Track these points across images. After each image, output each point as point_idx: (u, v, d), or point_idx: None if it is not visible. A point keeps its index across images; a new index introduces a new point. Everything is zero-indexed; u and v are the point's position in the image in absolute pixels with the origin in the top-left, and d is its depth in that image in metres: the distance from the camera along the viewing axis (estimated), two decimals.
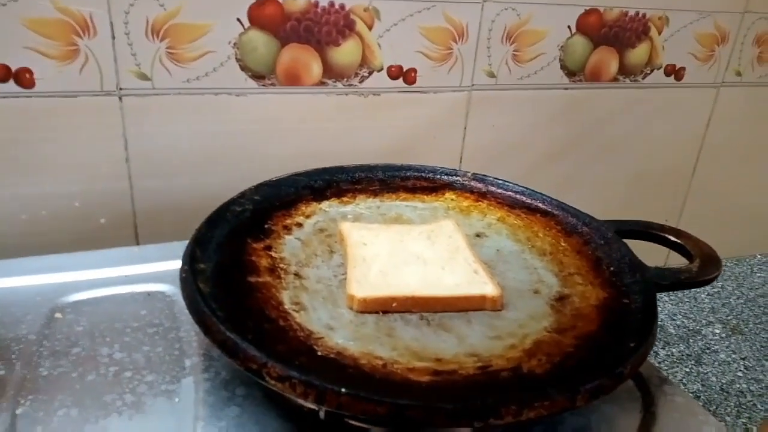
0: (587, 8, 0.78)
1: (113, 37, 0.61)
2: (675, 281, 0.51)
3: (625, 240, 0.58)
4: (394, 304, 0.47)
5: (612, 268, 0.53)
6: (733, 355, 0.83)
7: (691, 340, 0.86)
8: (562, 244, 0.58)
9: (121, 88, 0.63)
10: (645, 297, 0.48)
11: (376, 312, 0.47)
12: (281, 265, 0.52)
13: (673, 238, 0.58)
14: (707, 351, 0.84)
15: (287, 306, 0.46)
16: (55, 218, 0.67)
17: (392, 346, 0.43)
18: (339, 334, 0.44)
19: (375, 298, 0.47)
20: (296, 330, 0.43)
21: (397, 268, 0.51)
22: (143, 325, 0.52)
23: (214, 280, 0.46)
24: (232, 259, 0.50)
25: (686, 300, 0.95)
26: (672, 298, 0.94)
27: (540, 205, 0.64)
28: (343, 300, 0.48)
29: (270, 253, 0.53)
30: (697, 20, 0.84)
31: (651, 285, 0.49)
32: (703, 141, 0.94)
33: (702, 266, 0.52)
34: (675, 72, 0.87)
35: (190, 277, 0.45)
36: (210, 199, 0.70)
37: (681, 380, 0.79)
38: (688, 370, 0.81)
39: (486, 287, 0.49)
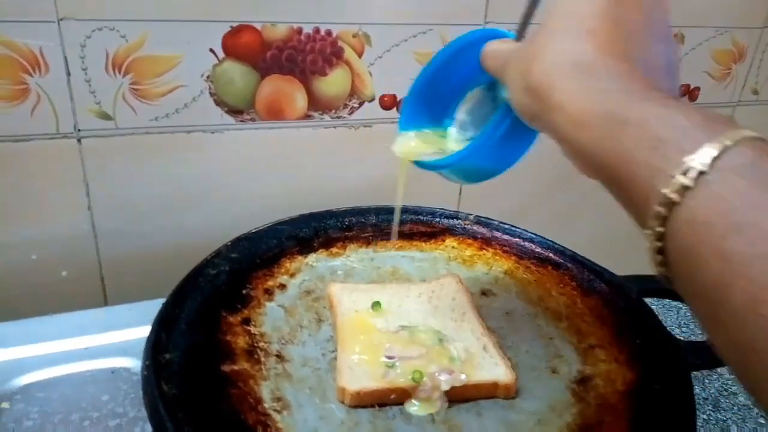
0: None
1: (68, 74, 0.54)
2: (710, 359, 0.45)
3: (647, 298, 0.52)
4: (392, 396, 0.41)
5: (638, 341, 0.47)
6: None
7: (706, 381, 0.81)
8: (580, 305, 0.51)
9: (79, 130, 0.56)
10: (679, 383, 0.42)
11: (372, 406, 0.41)
12: (261, 344, 0.45)
13: None
14: (725, 393, 0.78)
15: (267, 405, 0.39)
16: (9, 273, 0.59)
17: None
18: None
19: (370, 391, 0.40)
20: None
21: (395, 345, 0.45)
22: (104, 415, 0.45)
23: (181, 376, 0.39)
24: (203, 341, 0.43)
25: (698, 332, 0.89)
26: (684, 330, 0.89)
27: (552, 255, 0.57)
28: (332, 389, 0.42)
29: (248, 328, 0.46)
30: (714, 37, 0.77)
31: (684, 365, 0.43)
32: None
33: None
34: (689, 92, 0.81)
35: (152, 376, 0.38)
36: (184, 247, 0.64)
37: (700, 429, 0.73)
38: (706, 417, 0.75)
39: (498, 371, 0.43)
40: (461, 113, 0.46)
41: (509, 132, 0.38)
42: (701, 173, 0.22)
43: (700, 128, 0.23)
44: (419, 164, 0.45)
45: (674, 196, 0.23)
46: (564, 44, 0.30)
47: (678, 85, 0.30)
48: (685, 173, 0.23)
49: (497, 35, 0.40)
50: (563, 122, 0.28)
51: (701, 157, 0.22)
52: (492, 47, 0.38)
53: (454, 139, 0.46)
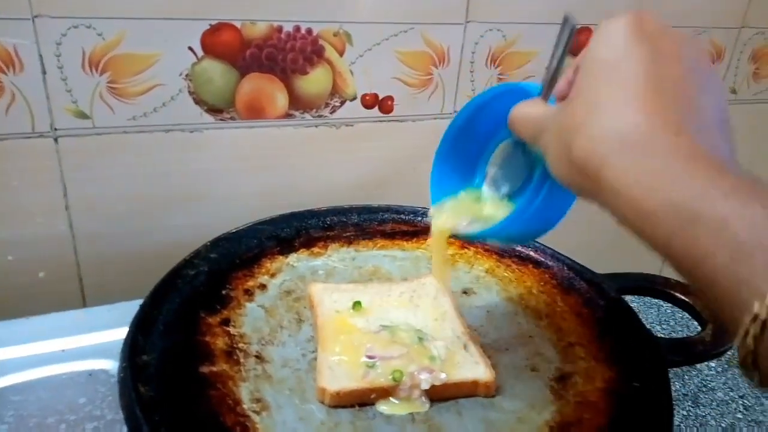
0: (578, 26, 0.71)
1: (44, 72, 0.53)
2: (688, 355, 0.46)
3: (627, 296, 0.53)
4: (372, 396, 0.41)
5: (616, 338, 0.47)
6: (731, 393, 0.78)
7: (686, 377, 0.82)
8: (560, 303, 0.52)
9: (56, 129, 0.55)
10: (657, 380, 0.43)
11: (352, 406, 0.41)
12: (240, 345, 0.45)
13: (680, 296, 0.52)
14: (704, 389, 0.79)
15: (246, 406, 0.39)
16: None
17: None
18: None
19: (350, 391, 0.40)
20: None
21: (376, 345, 0.45)
22: (81, 418, 0.45)
23: (159, 378, 0.39)
24: (182, 343, 0.43)
25: (678, 329, 0.90)
26: (665, 327, 0.89)
27: (532, 254, 0.58)
28: (312, 390, 0.42)
29: (227, 328, 0.46)
30: (693, 37, 0.78)
31: (662, 362, 0.44)
32: None
33: (716, 334, 0.47)
34: None
35: (128, 378, 0.38)
36: (164, 247, 0.63)
37: (678, 426, 0.74)
38: (685, 413, 0.76)
39: (478, 369, 0.43)
40: (492, 168, 0.45)
41: (548, 196, 0.37)
42: None
43: None
44: (458, 236, 0.44)
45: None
46: (609, 116, 0.27)
47: (730, 134, 0.28)
48: None
49: (520, 91, 0.38)
50: (622, 208, 0.26)
51: None
52: (521, 112, 0.35)
53: (488, 199, 0.45)
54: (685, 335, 0.85)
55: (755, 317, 0.21)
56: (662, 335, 0.86)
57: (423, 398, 0.41)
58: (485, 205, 0.45)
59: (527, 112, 0.35)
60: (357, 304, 0.48)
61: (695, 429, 0.73)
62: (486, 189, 0.45)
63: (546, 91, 0.35)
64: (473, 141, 0.45)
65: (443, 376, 0.42)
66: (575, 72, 0.33)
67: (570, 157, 0.28)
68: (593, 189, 0.27)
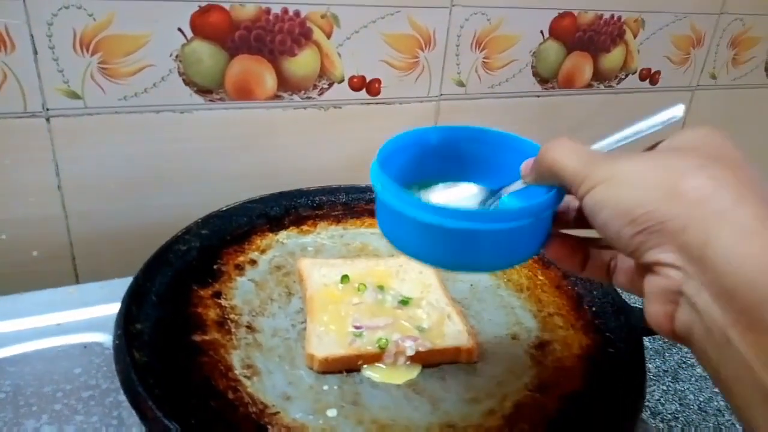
0: (561, 12, 0.73)
1: (35, 52, 0.54)
2: None
3: None
4: (359, 362, 0.43)
5: (594, 308, 0.49)
6: None
7: (666, 354, 0.84)
8: (540, 277, 0.53)
9: (48, 109, 0.56)
10: (631, 346, 0.44)
11: (340, 372, 0.42)
12: (232, 316, 0.46)
13: None
14: (683, 365, 0.81)
15: (238, 372, 0.41)
16: None
17: (358, 420, 0.38)
18: (297, 405, 0.39)
19: (338, 358, 0.42)
20: (248, 404, 0.38)
21: (363, 316, 0.46)
22: (77, 387, 0.46)
23: (153, 345, 0.40)
24: (174, 313, 0.44)
25: None
26: (639, 298, 0.92)
27: None
28: (301, 357, 0.43)
29: (219, 301, 0.47)
30: (673, 22, 0.80)
31: (637, 331, 0.46)
32: None
33: None
34: (650, 76, 0.83)
35: (123, 344, 0.39)
36: (155, 226, 0.64)
37: (659, 400, 0.77)
38: (665, 388, 0.78)
39: (461, 337, 0.45)
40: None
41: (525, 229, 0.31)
42: None
43: None
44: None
45: None
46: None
47: None
48: None
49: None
50: (725, 237, 0.24)
51: None
52: (564, 149, 0.30)
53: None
54: None
55: None
56: (637, 307, 0.89)
57: (409, 363, 0.43)
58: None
59: (577, 148, 0.30)
60: (345, 278, 0.50)
61: (675, 403, 0.75)
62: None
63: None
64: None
65: (427, 343, 0.43)
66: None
67: (675, 189, 0.26)
68: (685, 213, 0.26)
